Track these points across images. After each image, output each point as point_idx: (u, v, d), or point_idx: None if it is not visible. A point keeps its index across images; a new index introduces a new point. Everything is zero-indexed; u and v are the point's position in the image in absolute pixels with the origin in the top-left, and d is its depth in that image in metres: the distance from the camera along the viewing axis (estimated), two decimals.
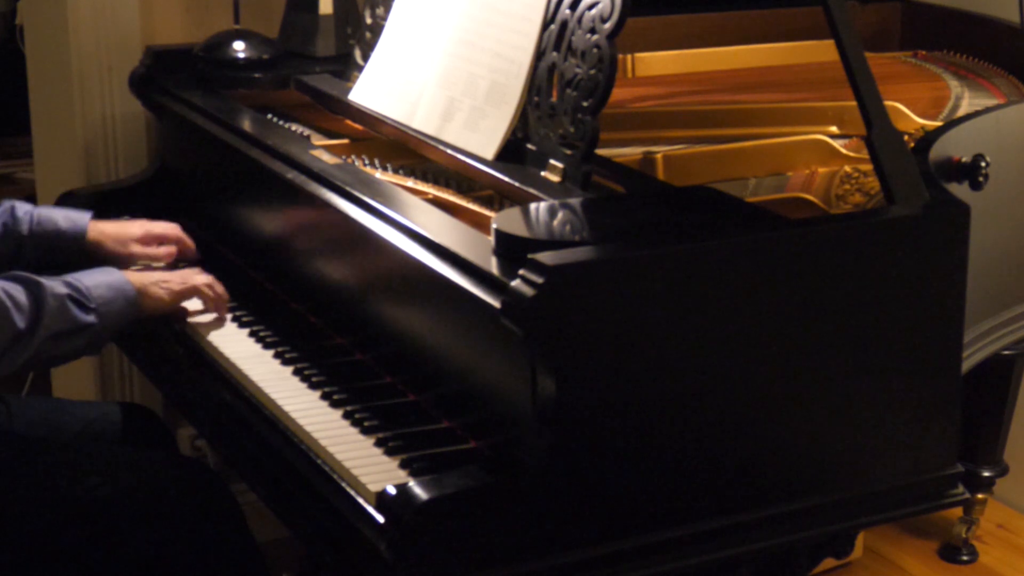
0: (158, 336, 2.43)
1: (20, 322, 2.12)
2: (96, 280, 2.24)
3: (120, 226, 2.55)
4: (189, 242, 2.54)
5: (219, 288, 2.39)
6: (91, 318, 2.19)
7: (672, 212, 2.04)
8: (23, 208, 2.50)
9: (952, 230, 2.05)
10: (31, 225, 2.47)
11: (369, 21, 2.71)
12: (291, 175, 2.39)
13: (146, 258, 2.52)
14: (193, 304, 2.38)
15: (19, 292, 2.14)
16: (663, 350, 1.86)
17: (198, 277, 2.37)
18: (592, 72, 2.19)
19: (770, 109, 2.60)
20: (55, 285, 2.18)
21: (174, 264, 2.54)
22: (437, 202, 2.28)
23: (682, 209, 2.05)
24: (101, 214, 2.86)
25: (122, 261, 2.49)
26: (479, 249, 1.96)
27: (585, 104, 2.19)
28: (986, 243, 2.27)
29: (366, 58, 2.64)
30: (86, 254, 2.49)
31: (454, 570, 1.77)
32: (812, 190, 2.38)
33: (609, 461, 1.84)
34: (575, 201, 2.09)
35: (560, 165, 2.22)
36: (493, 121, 2.32)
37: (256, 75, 2.89)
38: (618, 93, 2.36)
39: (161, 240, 2.54)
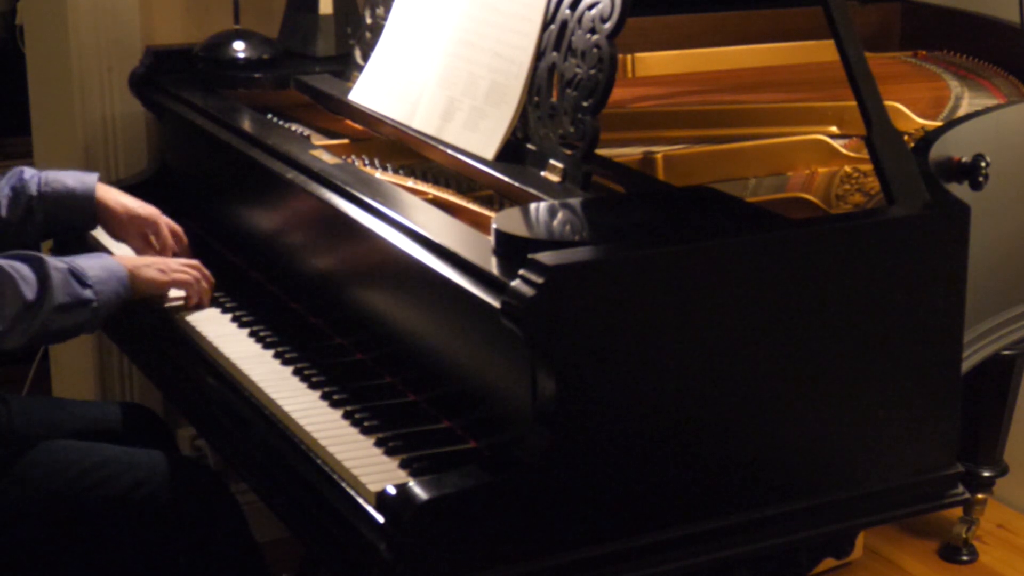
0: (158, 335, 2.43)
1: (28, 293, 2.18)
2: (89, 263, 2.29)
3: (127, 196, 2.58)
4: (173, 246, 2.56)
5: (206, 272, 2.44)
6: (89, 293, 2.25)
7: (672, 212, 2.04)
8: (30, 171, 2.54)
9: (952, 230, 2.05)
10: (40, 186, 2.51)
11: (369, 21, 2.71)
12: (291, 175, 2.39)
13: (137, 243, 2.55)
14: (177, 291, 2.43)
15: (23, 267, 2.19)
16: (663, 350, 1.86)
17: (189, 267, 2.43)
18: (592, 72, 2.19)
19: (770, 109, 2.59)
20: (55, 261, 2.24)
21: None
22: (437, 202, 2.28)
23: (682, 209, 2.05)
24: None
25: (121, 228, 2.55)
26: (479, 249, 1.96)
27: (585, 104, 2.19)
28: (986, 243, 2.27)
29: (366, 58, 2.64)
30: (92, 217, 2.54)
31: (454, 570, 1.77)
32: (812, 190, 2.38)
33: (609, 461, 1.84)
34: (575, 201, 2.09)
35: (560, 165, 2.22)
36: (493, 121, 2.32)
37: (256, 75, 2.89)
38: (618, 93, 2.36)
39: (156, 233, 2.56)
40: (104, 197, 2.54)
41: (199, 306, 2.42)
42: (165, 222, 2.57)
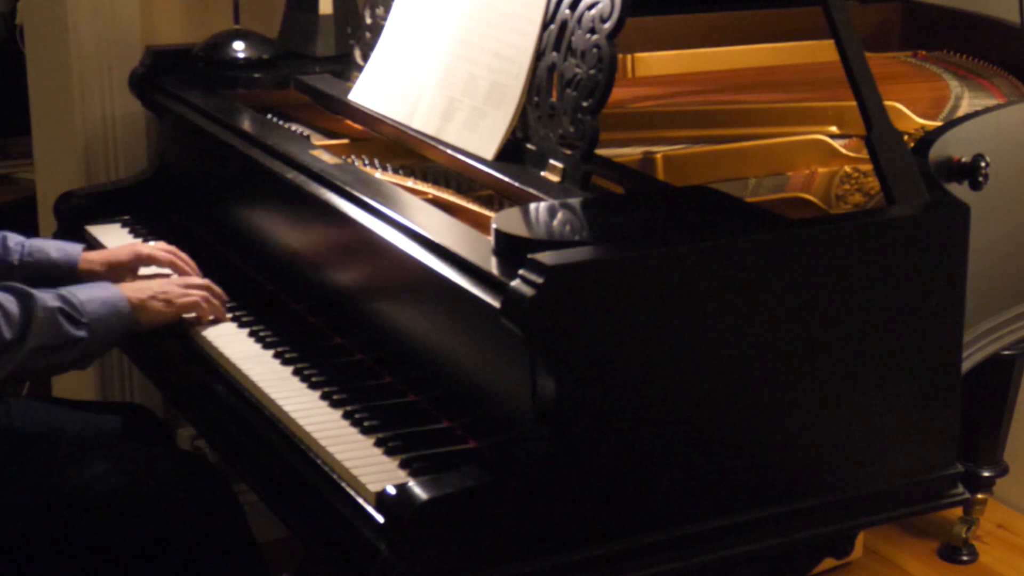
0: (158, 337, 2.42)
1: (7, 332, 2.12)
2: (90, 295, 2.23)
3: (110, 254, 2.52)
4: (182, 266, 2.49)
5: (216, 289, 2.39)
6: (81, 333, 2.19)
7: (672, 212, 2.04)
8: (15, 239, 2.48)
9: (952, 230, 2.05)
10: (22, 256, 2.46)
11: (369, 21, 2.71)
12: (291, 175, 2.39)
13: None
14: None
15: (10, 302, 2.14)
16: (663, 350, 1.86)
17: (195, 288, 2.37)
18: (592, 72, 2.19)
19: (770, 109, 2.60)
20: (47, 298, 2.18)
21: None
22: (437, 202, 2.28)
23: (682, 209, 2.05)
24: (100, 214, 2.87)
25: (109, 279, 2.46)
26: (479, 249, 1.96)
27: (585, 104, 2.19)
28: (986, 243, 2.27)
29: (366, 58, 2.64)
30: (75, 283, 2.46)
31: (454, 570, 1.77)
32: (812, 190, 2.38)
33: (609, 461, 1.84)
34: (575, 201, 2.10)
35: (560, 165, 2.22)
36: (493, 121, 2.32)
37: (256, 75, 2.89)
38: (618, 93, 2.36)
39: (151, 262, 2.50)
40: (87, 268, 2.47)
41: (215, 321, 2.36)
42: (148, 250, 2.49)
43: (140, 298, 2.29)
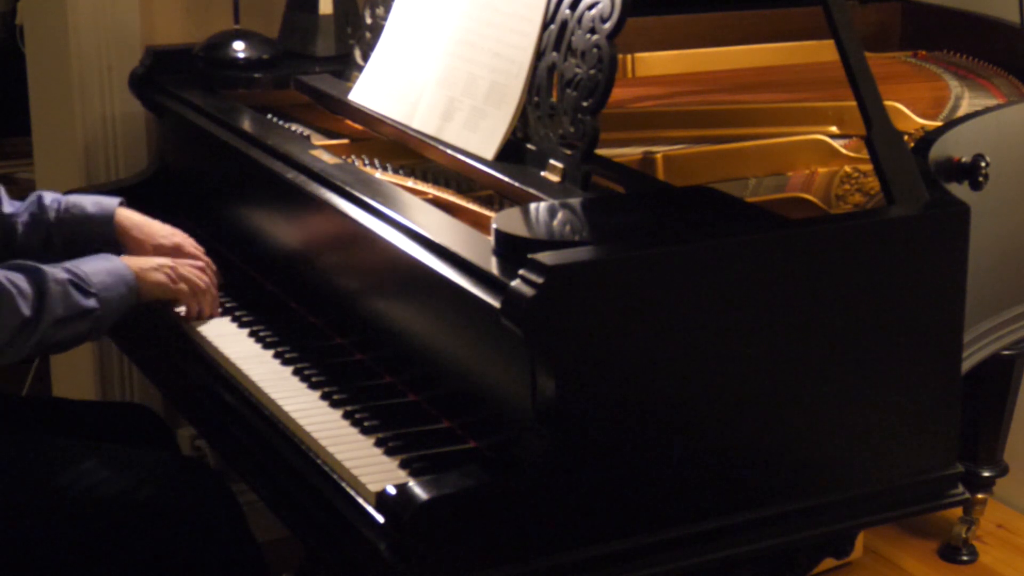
0: (158, 336, 2.43)
1: (26, 309, 2.15)
2: (95, 267, 2.26)
3: (154, 235, 2.50)
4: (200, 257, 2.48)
5: (214, 291, 2.40)
6: (92, 303, 2.22)
7: (672, 212, 2.04)
8: (50, 196, 2.51)
9: (952, 230, 2.05)
10: (58, 212, 2.48)
11: (369, 21, 2.71)
12: (291, 175, 2.39)
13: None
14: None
15: (21, 280, 2.17)
16: (663, 350, 1.86)
17: (197, 269, 2.39)
18: (592, 72, 2.19)
19: (770, 109, 2.60)
20: (56, 272, 2.21)
21: None
22: (437, 202, 2.28)
23: (682, 209, 2.05)
24: None
25: (144, 254, 2.46)
26: (479, 249, 1.96)
27: (585, 104, 2.19)
28: (986, 243, 2.27)
29: (366, 58, 2.64)
30: (113, 242, 2.48)
31: (454, 570, 1.77)
32: (812, 190, 2.38)
33: (609, 461, 1.84)
34: (575, 201, 2.10)
35: (560, 165, 2.22)
36: (493, 121, 2.32)
37: (256, 75, 2.89)
38: (618, 93, 2.36)
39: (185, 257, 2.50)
40: (124, 223, 2.48)
41: (217, 319, 2.37)
42: (190, 254, 2.47)
43: (141, 267, 2.32)
